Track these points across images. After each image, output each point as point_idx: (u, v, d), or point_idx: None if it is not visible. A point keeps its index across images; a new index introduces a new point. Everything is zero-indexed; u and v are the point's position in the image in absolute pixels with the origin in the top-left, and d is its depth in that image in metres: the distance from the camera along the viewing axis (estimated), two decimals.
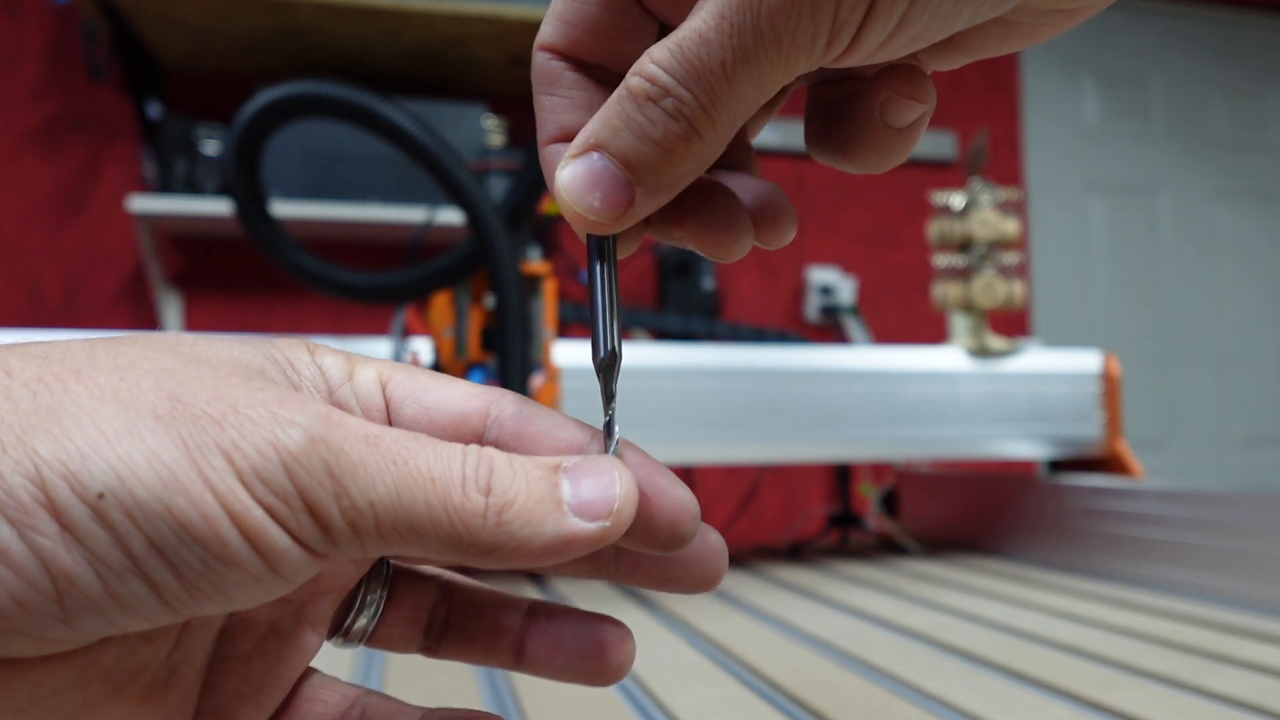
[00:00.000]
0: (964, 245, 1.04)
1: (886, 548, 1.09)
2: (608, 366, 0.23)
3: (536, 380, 0.79)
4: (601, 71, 0.23)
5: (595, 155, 0.21)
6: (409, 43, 1.78)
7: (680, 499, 0.22)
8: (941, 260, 1.07)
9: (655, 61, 0.20)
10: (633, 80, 0.20)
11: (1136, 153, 2.61)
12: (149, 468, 0.17)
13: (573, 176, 0.21)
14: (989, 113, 2.38)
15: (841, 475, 1.23)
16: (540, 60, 0.23)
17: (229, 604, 0.18)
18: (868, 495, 1.20)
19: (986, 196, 1.04)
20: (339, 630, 0.24)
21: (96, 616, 0.17)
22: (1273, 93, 2.72)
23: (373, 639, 0.25)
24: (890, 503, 1.20)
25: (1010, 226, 1.03)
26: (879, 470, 1.31)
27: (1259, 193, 2.70)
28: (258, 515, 0.17)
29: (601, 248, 0.23)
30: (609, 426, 0.23)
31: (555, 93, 0.23)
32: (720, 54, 0.19)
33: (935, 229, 1.06)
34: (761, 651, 0.58)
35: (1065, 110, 2.54)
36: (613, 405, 0.23)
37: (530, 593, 0.80)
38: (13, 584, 0.16)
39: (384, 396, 0.23)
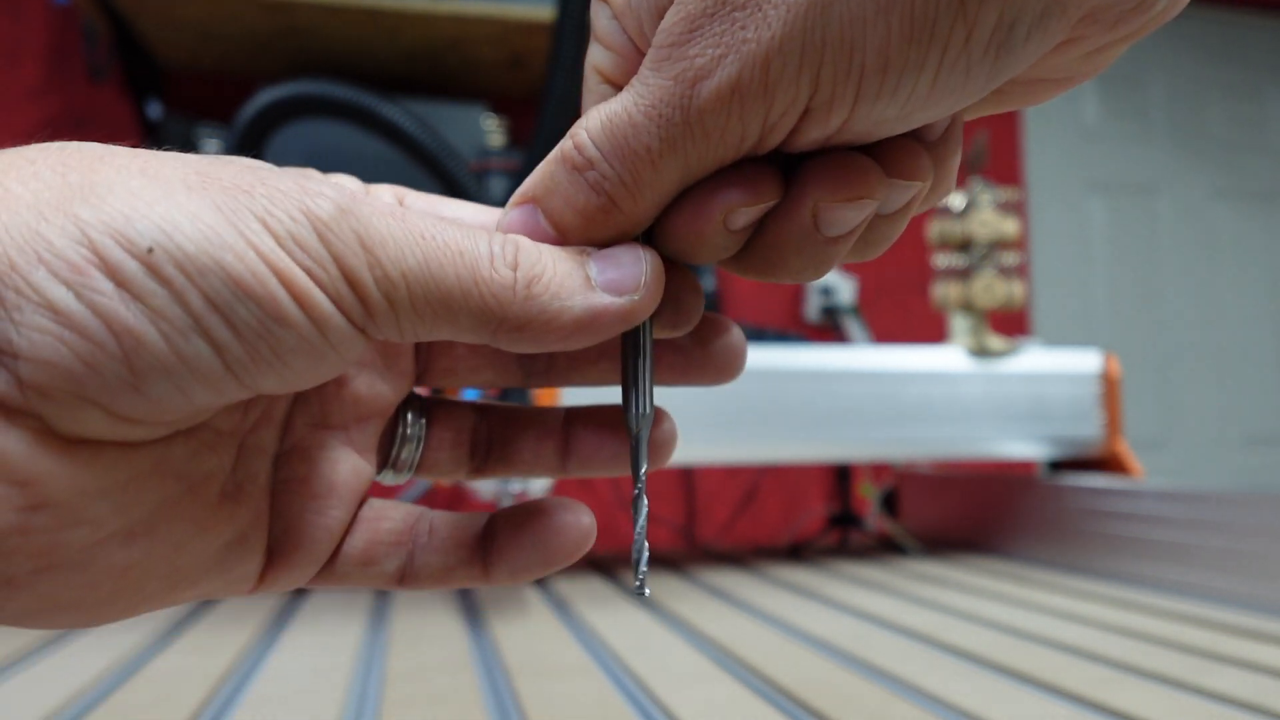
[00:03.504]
0: (964, 245, 1.04)
1: (886, 548, 1.09)
2: (637, 428, 0.23)
3: None
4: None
5: (529, 207, 0.21)
6: (409, 43, 1.78)
7: (689, 278, 0.23)
8: (941, 260, 1.07)
9: (588, 131, 0.20)
10: (565, 144, 0.21)
11: (1136, 153, 2.61)
12: (192, 225, 0.17)
13: (511, 225, 0.22)
14: (989, 115, 2.38)
15: (841, 475, 1.23)
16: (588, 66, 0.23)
17: (288, 374, 0.18)
18: (868, 495, 1.20)
19: (986, 197, 1.04)
20: (387, 463, 0.25)
21: (167, 380, 0.17)
22: (1272, 93, 2.72)
23: (421, 467, 0.25)
24: (890, 503, 1.20)
25: (1010, 226, 1.03)
26: (879, 470, 1.31)
27: (1259, 193, 2.70)
28: (301, 277, 0.18)
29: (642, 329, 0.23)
30: (638, 501, 0.23)
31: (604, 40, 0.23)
32: (647, 140, 0.19)
33: (935, 229, 1.06)
34: (761, 651, 0.58)
35: (1065, 110, 2.55)
36: (643, 473, 0.23)
37: (532, 597, 0.80)
38: (79, 346, 0.16)
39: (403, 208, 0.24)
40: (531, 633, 0.65)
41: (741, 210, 0.20)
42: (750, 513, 1.93)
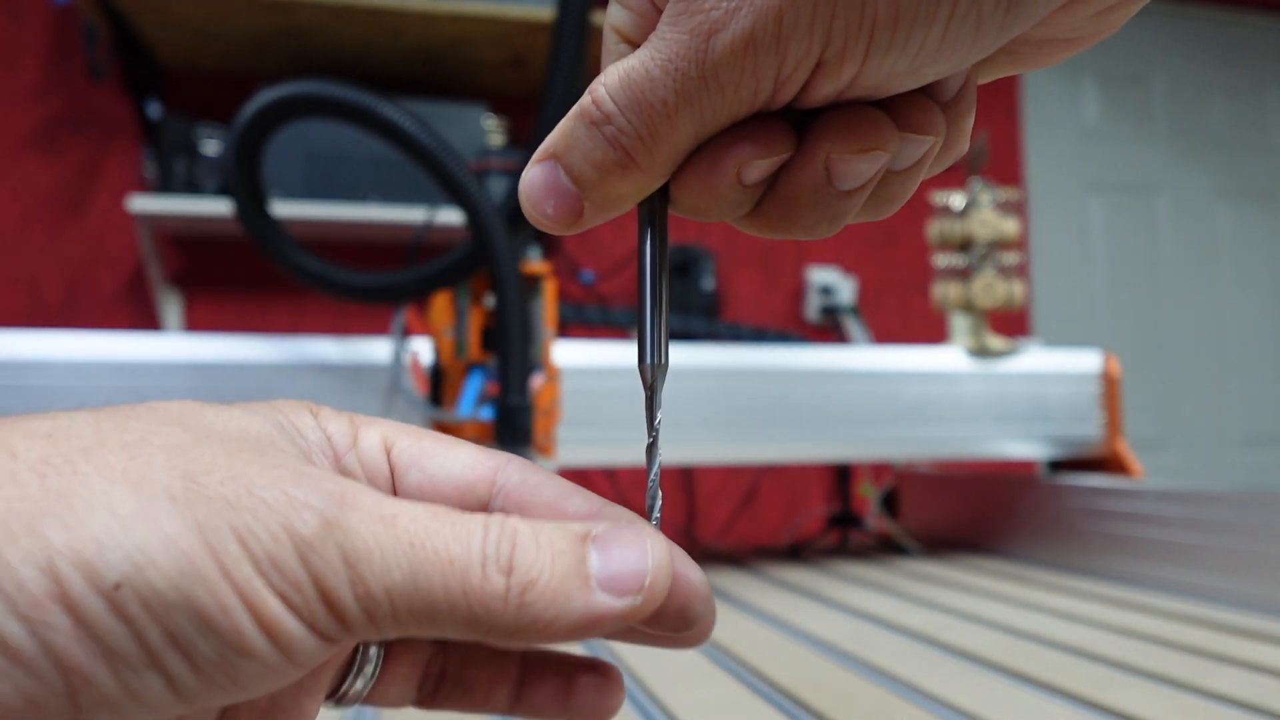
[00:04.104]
0: (964, 245, 1.04)
1: (886, 548, 1.09)
2: (652, 378, 0.23)
3: (536, 380, 0.79)
4: None
5: (551, 163, 0.21)
6: (409, 43, 1.78)
7: (694, 582, 0.21)
8: (941, 260, 1.07)
9: (605, 86, 0.20)
10: (584, 100, 0.20)
11: (1136, 153, 2.61)
12: (166, 555, 0.16)
13: (532, 181, 0.21)
14: (989, 113, 2.38)
15: (841, 475, 1.23)
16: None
17: (241, 694, 0.18)
18: (868, 495, 1.20)
19: (986, 196, 1.04)
20: (335, 694, 0.24)
21: (109, 713, 0.16)
22: (1273, 93, 2.72)
23: (369, 698, 0.24)
24: (890, 503, 1.20)
25: (1010, 226, 1.03)
26: (879, 470, 1.31)
27: (1259, 193, 2.70)
28: (273, 605, 0.17)
29: (654, 250, 0.23)
30: (652, 450, 0.23)
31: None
32: (663, 93, 0.19)
33: (935, 229, 1.06)
34: (761, 651, 0.58)
35: (1065, 110, 2.54)
36: (657, 425, 0.23)
37: None
38: (24, 684, 0.16)
39: (389, 463, 0.23)
40: None
41: (755, 163, 0.20)
42: (750, 513, 1.93)
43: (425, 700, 0.25)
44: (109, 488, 0.17)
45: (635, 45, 0.21)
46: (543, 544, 0.19)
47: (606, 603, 0.19)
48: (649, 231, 0.23)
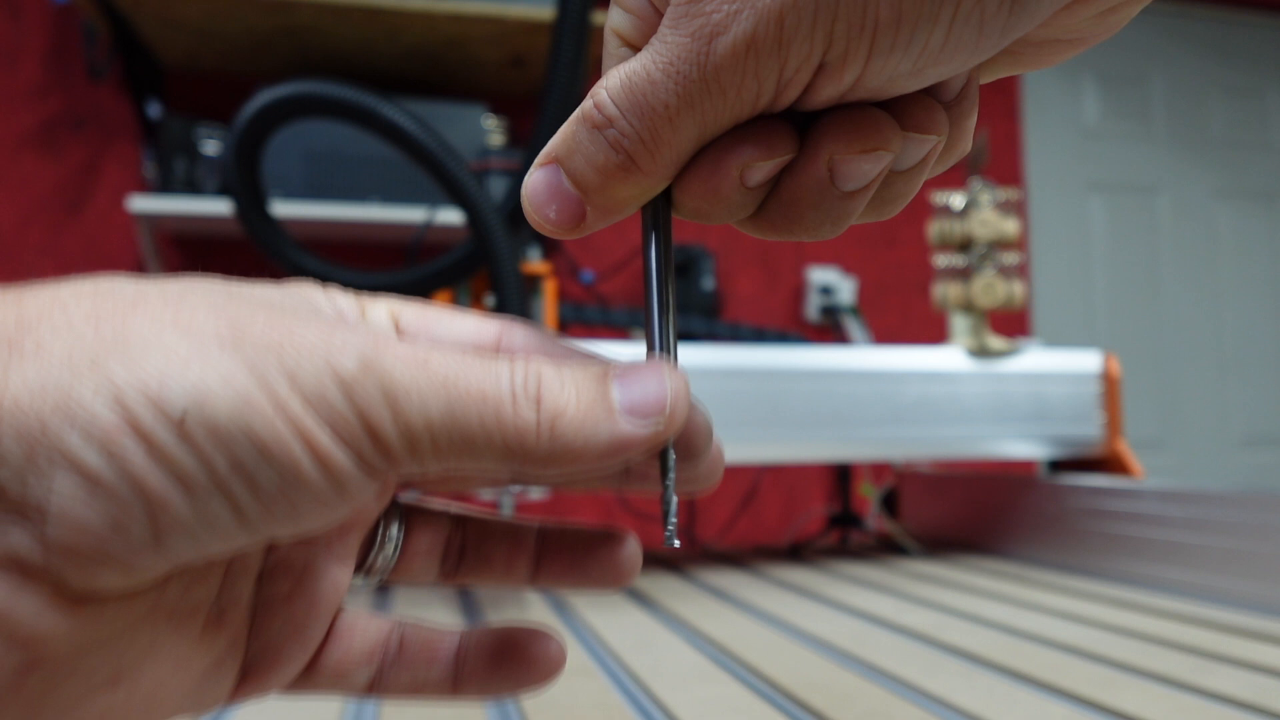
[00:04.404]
0: (964, 245, 1.04)
1: (886, 548, 1.09)
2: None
3: None
4: None
5: (553, 167, 0.21)
6: (409, 43, 1.78)
7: (697, 418, 0.23)
8: (941, 260, 1.07)
9: (607, 89, 0.20)
10: (586, 103, 0.21)
11: (1136, 153, 2.61)
12: (224, 390, 0.17)
13: (535, 185, 0.22)
14: (989, 113, 2.38)
15: (841, 475, 1.23)
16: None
17: (300, 525, 0.19)
18: (868, 495, 1.20)
19: (986, 196, 1.04)
20: (363, 567, 0.25)
21: (186, 538, 0.17)
22: (1273, 93, 2.72)
23: (394, 573, 0.25)
24: (890, 503, 1.20)
25: (1010, 226, 1.03)
26: (879, 470, 1.31)
27: (1259, 193, 2.70)
28: (324, 438, 0.18)
29: (658, 255, 0.23)
30: (665, 455, 0.23)
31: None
32: (664, 97, 0.19)
33: (935, 229, 1.06)
34: (761, 651, 0.58)
35: (1065, 110, 2.55)
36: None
37: (532, 597, 0.80)
38: (108, 508, 0.17)
39: (397, 330, 0.24)
40: None
41: (757, 165, 0.20)
42: (750, 513, 1.93)
43: (448, 575, 0.26)
44: (160, 332, 0.18)
45: (636, 48, 0.21)
46: (566, 379, 0.20)
47: (631, 428, 0.20)
48: (653, 235, 0.23)
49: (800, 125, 0.21)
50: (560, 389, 0.20)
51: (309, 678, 0.24)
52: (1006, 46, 0.20)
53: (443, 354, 0.19)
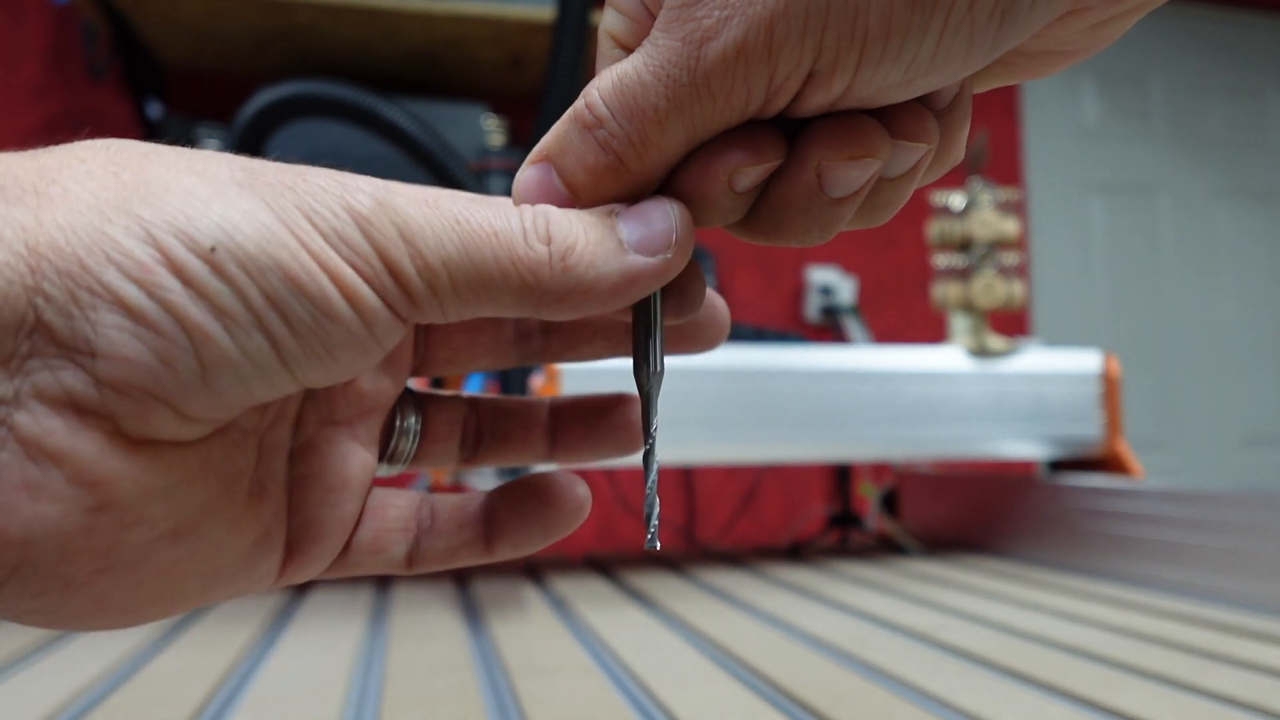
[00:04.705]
0: (964, 245, 1.04)
1: (886, 548, 1.09)
2: (649, 386, 0.23)
3: (536, 380, 0.79)
4: None
5: (544, 165, 0.22)
6: (408, 43, 1.78)
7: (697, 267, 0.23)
8: (941, 260, 1.07)
9: (599, 90, 0.21)
10: (578, 104, 0.21)
11: (1136, 153, 2.61)
12: (249, 225, 0.18)
13: (526, 182, 0.22)
14: (989, 113, 2.38)
15: (841, 475, 1.23)
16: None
17: (334, 367, 0.19)
18: (868, 495, 1.20)
19: (986, 197, 1.04)
20: (385, 455, 0.26)
21: (232, 375, 0.18)
22: (1272, 93, 2.72)
23: (416, 458, 0.26)
24: (890, 503, 1.20)
25: (1010, 226, 1.03)
26: (879, 470, 1.31)
27: (1259, 193, 2.70)
28: (349, 273, 0.18)
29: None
30: (649, 457, 0.23)
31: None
32: (654, 99, 0.20)
33: (935, 229, 1.06)
34: (761, 651, 0.58)
35: (1065, 110, 2.55)
36: (653, 432, 0.23)
37: (532, 596, 0.80)
38: (155, 342, 0.17)
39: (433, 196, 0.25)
40: (531, 633, 0.65)
41: (746, 170, 0.21)
42: (750, 513, 1.93)
43: (468, 458, 0.27)
44: (179, 177, 0.18)
45: (629, 50, 0.21)
46: (573, 219, 0.20)
47: (641, 260, 0.20)
48: None
49: (790, 131, 0.21)
50: (569, 226, 0.20)
51: (349, 555, 0.24)
52: (1000, 58, 0.20)
53: (452, 194, 0.20)
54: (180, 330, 0.17)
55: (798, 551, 1.08)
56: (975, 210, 1.03)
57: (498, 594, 0.79)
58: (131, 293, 0.17)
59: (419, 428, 0.26)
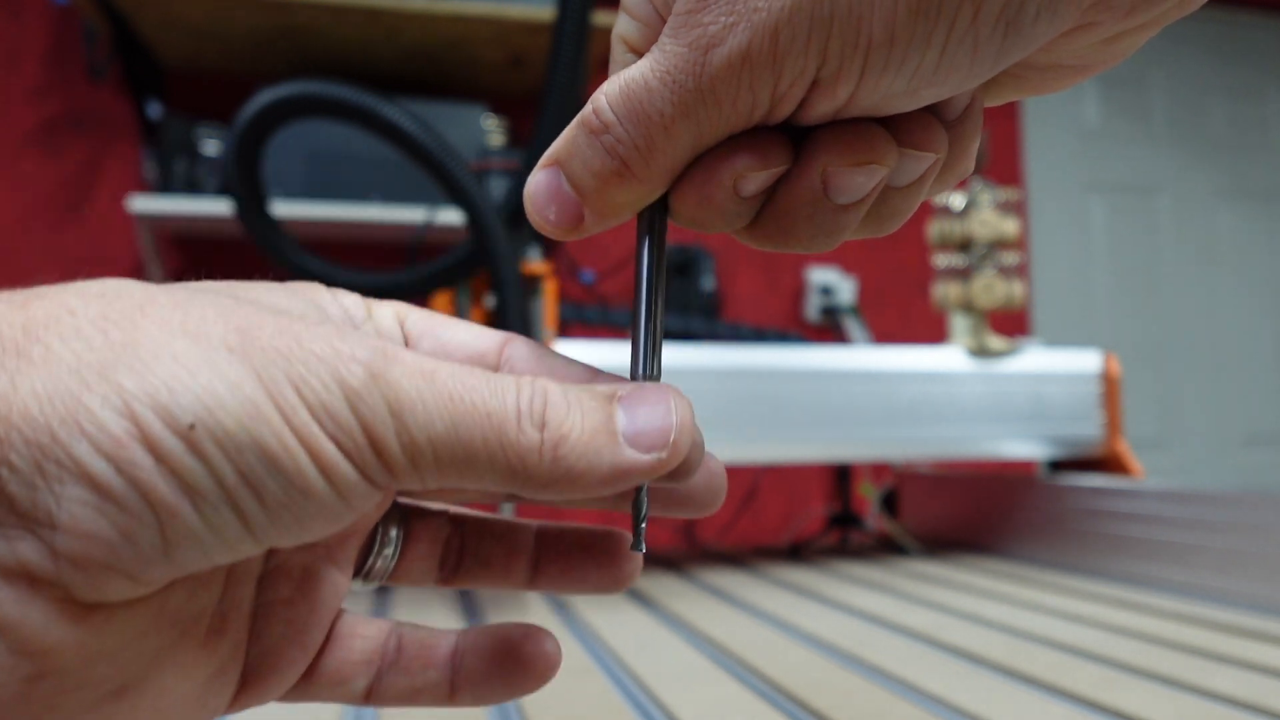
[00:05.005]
0: (964, 245, 1.04)
1: (886, 548, 1.09)
2: None
3: None
4: None
5: (555, 170, 0.21)
6: (409, 43, 1.78)
7: (697, 436, 0.22)
8: (941, 260, 1.07)
9: (606, 95, 0.20)
10: (586, 109, 0.21)
11: (1136, 153, 2.61)
12: (233, 399, 0.17)
13: (536, 186, 0.22)
14: (989, 113, 2.38)
15: (841, 475, 1.23)
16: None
17: (304, 534, 0.19)
18: (868, 495, 1.20)
19: (986, 197, 1.04)
20: (361, 571, 0.25)
21: (194, 548, 0.17)
22: (1273, 93, 2.72)
23: (393, 576, 0.25)
24: (890, 503, 1.20)
25: (1010, 226, 1.03)
26: (879, 470, 1.31)
27: (1259, 193, 2.70)
28: (330, 449, 0.18)
29: (650, 260, 0.23)
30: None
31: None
32: (660, 105, 0.20)
33: (935, 229, 1.06)
34: (761, 651, 0.58)
35: (1065, 110, 2.55)
36: None
37: (532, 597, 0.80)
38: (118, 519, 0.17)
39: (403, 332, 0.24)
40: None
41: (751, 175, 0.20)
42: (750, 513, 1.93)
43: (447, 578, 0.26)
44: (170, 339, 0.18)
45: (641, 55, 0.21)
46: (572, 401, 0.20)
47: (634, 457, 0.20)
48: (646, 241, 0.23)
49: (797, 139, 0.21)
50: (566, 411, 0.19)
51: (307, 684, 0.24)
52: (1009, 70, 0.20)
53: (450, 367, 0.19)
54: (146, 507, 0.17)
55: (798, 551, 1.08)
56: (975, 210, 1.03)
57: (498, 594, 0.79)
58: (101, 468, 0.16)
59: (399, 547, 0.25)
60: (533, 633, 0.24)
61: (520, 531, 0.26)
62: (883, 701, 0.47)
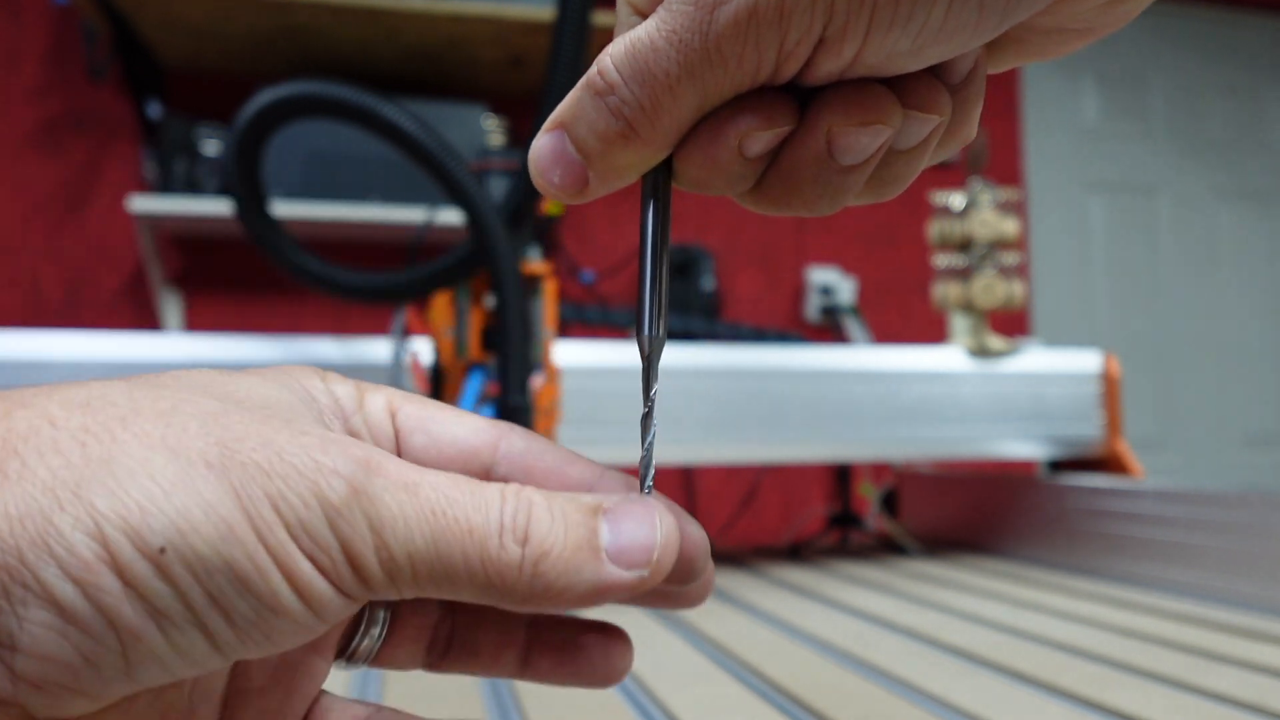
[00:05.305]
0: (964, 245, 1.04)
1: (886, 548, 1.09)
2: (649, 349, 0.23)
3: (536, 380, 0.79)
4: None
5: (559, 133, 0.21)
6: (409, 43, 1.78)
7: (696, 539, 0.22)
8: (941, 260, 1.07)
9: (611, 56, 0.20)
10: (591, 70, 0.20)
11: (1136, 153, 2.61)
12: (207, 520, 0.17)
13: (540, 150, 0.21)
14: (989, 113, 2.38)
15: (841, 475, 1.23)
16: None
17: (273, 647, 0.18)
18: (868, 495, 1.20)
19: (986, 196, 1.04)
20: (344, 653, 0.24)
21: (157, 667, 0.17)
22: (1272, 93, 2.72)
23: (377, 659, 0.25)
24: (890, 503, 1.20)
25: (1010, 226, 1.03)
26: (879, 470, 1.31)
27: (1259, 193, 2.70)
28: (305, 568, 0.18)
29: (655, 223, 0.23)
30: (647, 419, 0.23)
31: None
32: (666, 64, 0.19)
33: (935, 229, 1.06)
34: (761, 651, 0.58)
35: (1065, 110, 2.54)
36: (653, 396, 0.23)
37: None
38: (80, 642, 0.16)
39: (394, 426, 0.23)
40: None
41: (756, 135, 0.20)
42: (750, 513, 1.93)
43: (434, 663, 0.25)
44: (149, 455, 0.17)
45: (646, 17, 0.21)
46: (556, 515, 0.19)
47: (616, 574, 0.19)
48: (651, 204, 0.23)
49: (802, 100, 0.21)
50: (549, 526, 0.19)
51: None
52: (1012, 33, 0.20)
53: (434, 478, 0.19)
54: (110, 631, 0.16)
55: (798, 551, 1.08)
56: (975, 210, 1.03)
57: None
58: (67, 592, 0.16)
59: (385, 630, 0.24)
60: None
61: (512, 621, 0.25)
62: (883, 701, 0.47)
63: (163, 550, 0.17)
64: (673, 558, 0.20)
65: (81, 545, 0.16)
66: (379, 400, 0.23)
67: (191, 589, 0.17)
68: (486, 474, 0.23)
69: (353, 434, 0.23)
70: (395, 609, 0.25)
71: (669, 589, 0.23)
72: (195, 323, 1.86)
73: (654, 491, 0.23)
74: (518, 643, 0.25)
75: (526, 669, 0.25)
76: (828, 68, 0.19)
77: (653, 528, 0.20)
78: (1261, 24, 2.71)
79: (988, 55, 0.22)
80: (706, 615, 0.70)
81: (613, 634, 0.25)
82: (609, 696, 0.49)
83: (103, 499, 0.17)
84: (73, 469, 0.17)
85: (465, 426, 0.24)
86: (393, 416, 0.23)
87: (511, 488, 0.20)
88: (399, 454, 0.23)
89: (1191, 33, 2.64)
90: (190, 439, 0.18)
